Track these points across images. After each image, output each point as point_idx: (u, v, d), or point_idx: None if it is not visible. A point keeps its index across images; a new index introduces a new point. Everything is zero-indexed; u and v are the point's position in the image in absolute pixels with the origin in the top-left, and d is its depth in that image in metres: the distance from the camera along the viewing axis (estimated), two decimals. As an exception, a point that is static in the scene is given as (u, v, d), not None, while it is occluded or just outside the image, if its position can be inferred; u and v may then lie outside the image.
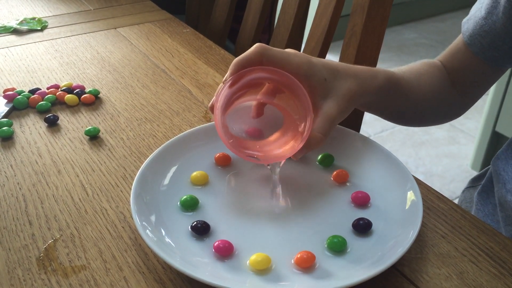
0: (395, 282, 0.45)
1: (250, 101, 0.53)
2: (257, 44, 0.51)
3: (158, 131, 0.65)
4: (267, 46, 0.51)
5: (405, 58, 2.64)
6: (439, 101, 0.69)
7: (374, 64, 0.82)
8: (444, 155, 1.94)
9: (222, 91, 0.49)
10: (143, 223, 0.47)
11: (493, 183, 0.68)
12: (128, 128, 0.66)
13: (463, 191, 0.80)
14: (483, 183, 0.72)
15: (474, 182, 0.79)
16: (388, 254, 0.45)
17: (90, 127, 0.64)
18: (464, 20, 0.67)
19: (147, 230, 0.46)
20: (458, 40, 0.68)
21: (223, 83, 0.50)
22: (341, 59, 0.83)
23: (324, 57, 0.88)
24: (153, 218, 0.48)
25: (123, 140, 0.63)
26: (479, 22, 0.63)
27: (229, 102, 0.50)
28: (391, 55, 2.66)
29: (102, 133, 0.65)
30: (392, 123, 0.71)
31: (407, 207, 0.50)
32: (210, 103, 0.51)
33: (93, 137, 0.64)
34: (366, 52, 0.80)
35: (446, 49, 0.70)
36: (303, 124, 0.49)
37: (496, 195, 0.66)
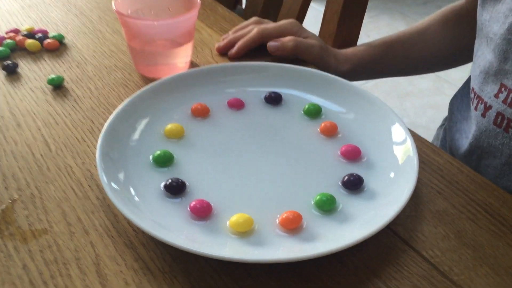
0: (387, 242, 0.42)
1: None
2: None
3: (129, 80, 0.61)
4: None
5: (391, 6, 2.58)
6: (451, 49, 0.74)
7: (363, 8, 0.78)
8: (429, 105, 1.92)
9: None
10: (111, 181, 0.43)
11: None
12: (96, 77, 0.62)
13: (437, 128, 0.80)
14: (447, 121, 0.74)
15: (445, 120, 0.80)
16: (381, 212, 0.42)
17: (53, 76, 0.60)
18: None
19: (116, 190, 0.43)
20: None
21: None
22: (327, 5, 0.80)
23: (308, 3, 0.85)
24: (122, 176, 0.45)
25: (91, 90, 0.59)
26: None
27: None
28: (378, 3, 2.59)
29: (67, 83, 0.61)
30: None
31: (401, 162, 0.47)
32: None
33: (57, 86, 0.60)
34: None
35: None
36: None
37: (448, 134, 0.68)
